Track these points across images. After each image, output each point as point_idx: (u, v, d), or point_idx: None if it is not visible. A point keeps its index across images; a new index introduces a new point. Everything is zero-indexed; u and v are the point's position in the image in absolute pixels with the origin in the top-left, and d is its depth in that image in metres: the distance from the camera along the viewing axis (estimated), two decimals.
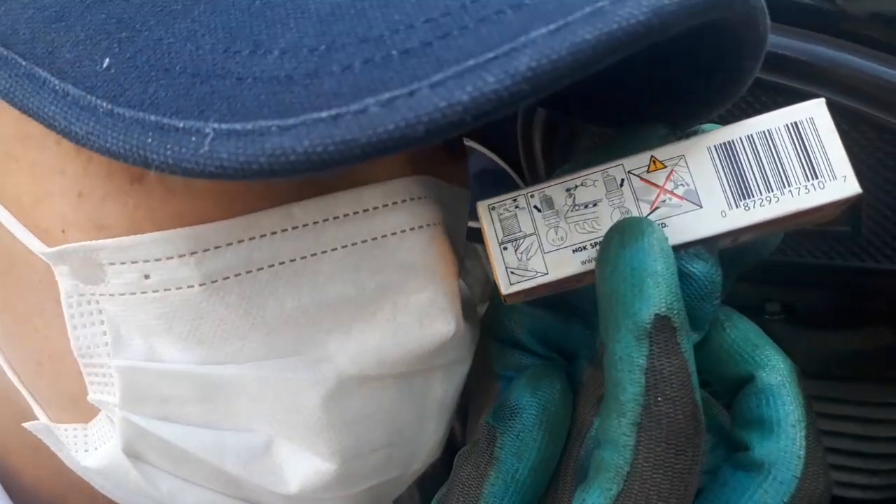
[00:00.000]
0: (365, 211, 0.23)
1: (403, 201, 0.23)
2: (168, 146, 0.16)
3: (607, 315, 0.20)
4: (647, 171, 0.21)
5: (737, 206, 0.21)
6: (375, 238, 0.23)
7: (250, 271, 0.22)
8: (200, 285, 0.22)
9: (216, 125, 0.16)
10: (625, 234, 0.20)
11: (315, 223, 0.22)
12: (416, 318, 0.23)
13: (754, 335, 0.22)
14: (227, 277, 0.22)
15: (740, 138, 0.21)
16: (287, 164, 0.15)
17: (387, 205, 0.23)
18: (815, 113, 0.21)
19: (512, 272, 0.22)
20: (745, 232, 0.21)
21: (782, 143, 0.21)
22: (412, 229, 0.23)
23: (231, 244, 0.22)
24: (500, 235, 0.22)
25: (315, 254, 0.22)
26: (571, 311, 0.25)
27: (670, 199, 0.21)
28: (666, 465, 0.19)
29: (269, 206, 0.22)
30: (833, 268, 0.36)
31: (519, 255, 0.22)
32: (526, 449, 0.22)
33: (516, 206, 0.22)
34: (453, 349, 0.24)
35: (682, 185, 0.21)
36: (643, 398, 0.19)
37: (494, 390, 0.26)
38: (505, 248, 0.22)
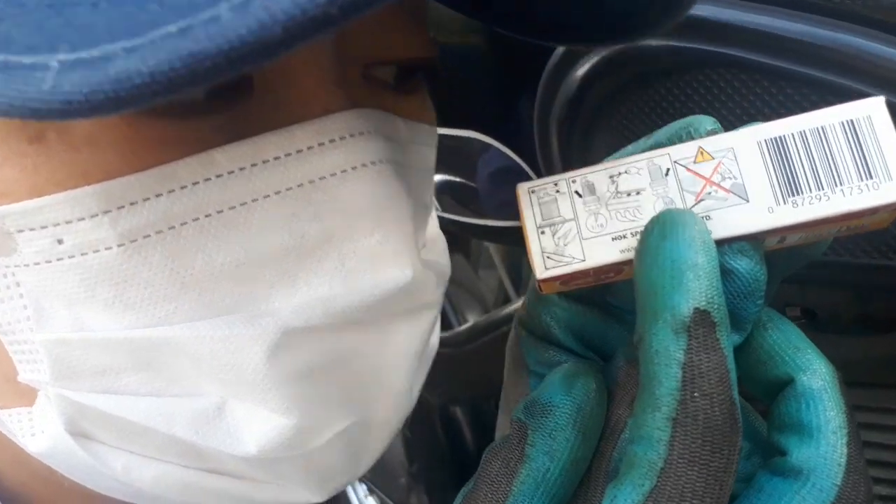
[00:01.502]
0: (298, 152, 0.21)
1: (342, 138, 0.21)
2: (13, 86, 0.15)
3: (645, 307, 0.19)
4: (694, 162, 0.21)
5: (784, 203, 0.20)
6: (312, 181, 0.21)
7: (173, 227, 0.21)
8: (119, 246, 0.20)
9: (63, 56, 0.15)
10: (666, 225, 0.19)
11: (241, 169, 0.21)
12: (367, 264, 0.22)
13: (797, 338, 0.21)
14: (148, 235, 0.20)
15: (792, 134, 0.20)
16: (134, 90, 0.14)
17: (322, 143, 0.21)
18: (873, 111, 0.20)
19: (548, 257, 0.21)
20: (793, 231, 0.20)
21: (836, 141, 0.20)
22: (354, 169, 0.21)
23: (148, 199, 0.20)
24: (539, 219, 0.21)
25: (244, 203, 0.21)
26: (608, 309, 0.24)
27: (716, 191, 0.20)
28: (701, 463, 0.18)
29: (187, 154, 0.20)
30: (856, 266, 0.35)
31: (556, 240, 0.21)
32: (558, 448, 0.21)
33: (557, 191, 0.21)
34: (412, 295, 0.23)
35: (729, 177, 0.20)
36: (679, 393, 0.18)
37: (525, 385, 0.25)
38: (542, 232, 0.21)
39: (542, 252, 0.21)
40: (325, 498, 0.26)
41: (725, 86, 0.34)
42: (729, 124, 0.35)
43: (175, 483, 0.24)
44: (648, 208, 0.21)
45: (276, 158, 0.21)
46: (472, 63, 0.44)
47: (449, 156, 0.50)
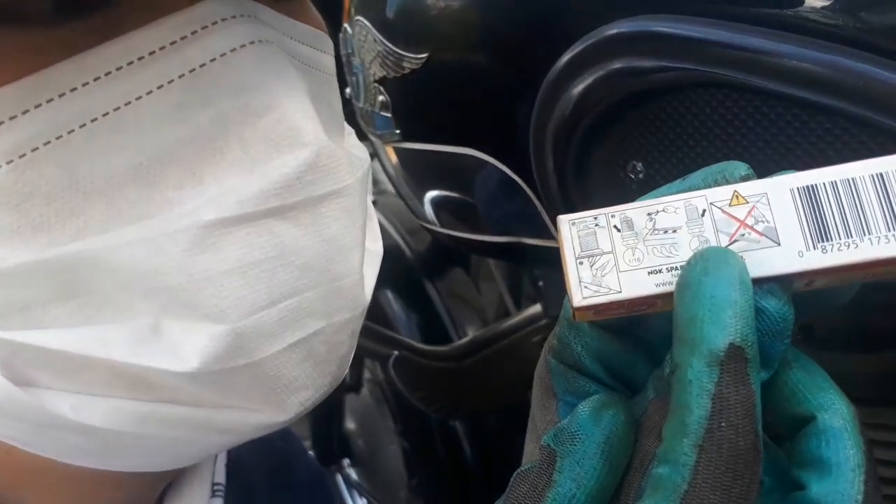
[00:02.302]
0: (172, 44, 0.21)
1: (215, 23, 0.22)
2: None
3: (683, 338, 0.20)
4: (729, 205, 0.22)
5: (814, 248, 0.21)
6: (193, 69, 0.21)
7: (60, 136, 0.20)
8: (8, 163, 0.20)
9: None
10: (709, 262, 0.20)
11: (118, 69, 0.21)
12: (269, 145, 0.22)
13: (820, 378, 0.22)
14: (36, 148, 0.20)
15: (823, 183, 0.21)
16: None
17: (196, 31, 0.21)
18: None
19: (585, 286, 0.22)
20: (821, 275, 0.21)
21: (866, 192, 0.21)
22: (233, 50, 0.22)
23: (27, 111, 0.20)
24: (578, 250, 0.22)
25: (129, 102, 0.21)
26: (638, 342, 0.25)
27: (749, 233, 0.21)
28: (724, 488, 0.19)
29: (58, 61, 0.20)
30: None
31: (594, 271, 0.22)
32: (585, 475, 0.22)
33: (596, 224, 0.22)
34: (323, 172, 0.23)
35: (762, 221, 0.21)
36: (707, 422, 0.19)
37: (553, 412, 0.25)
38: (581, 263, 0.22)
39: (580, 282, 0.22)
40: (290, 416, 0.25)
41: (717, 105, 0.35)
42: (721, 143, 0.35)
43: (129, 417, 0.23)
44: (684, 246, 0.22)
45: (151, 53, 0.21)
46: (470, 79, 0.45)
47: (446, 172, 0.50)
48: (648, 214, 0.22)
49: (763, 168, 0.35)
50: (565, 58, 0.38)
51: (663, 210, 0.22)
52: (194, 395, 0.24)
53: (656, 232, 0.22)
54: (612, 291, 0.22)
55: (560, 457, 0.22)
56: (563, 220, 0.23)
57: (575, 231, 0.23)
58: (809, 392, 0.21)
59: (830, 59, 0.31)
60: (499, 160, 0.45)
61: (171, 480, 0.33)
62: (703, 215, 0.22)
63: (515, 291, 1.03)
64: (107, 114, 0.21)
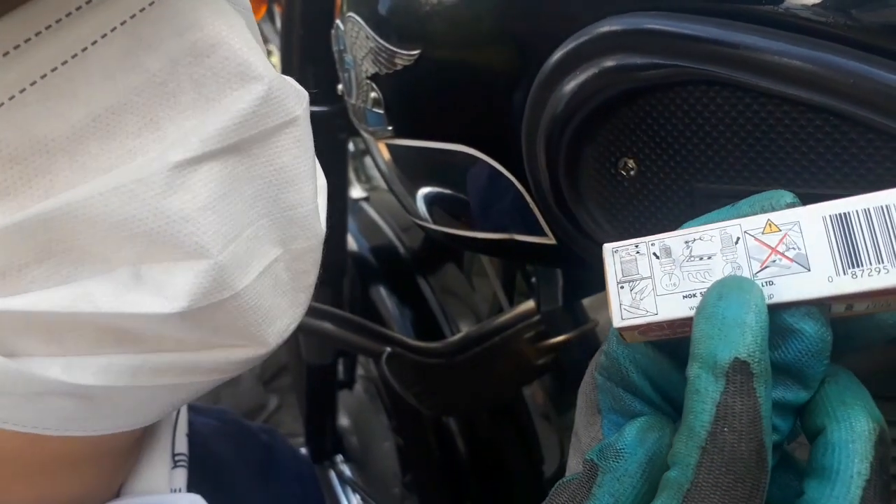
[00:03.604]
0: None
1: None
2: None
3: (694, 354, 0.21)
4: (762, 233, 0.23)
5: (844, 274, 0.21)
6: (133, 15, 0.22)
7: (13, 97, 0.20)
8: None
9: None
10: (725, 288, 0.21)
11: (58, 21, 0.21)
12: (221, 82, 0.22)
13: (850, 394, 0.22)
14: None
15: (856, 210, 0.22)
16: None
17: None
18: None
19: (625, 309, 0.24)
20: (856, 299, 0.22)
21: None
22: None
23: None
24: (619, 276, 0.24)
25: (75, 54, 0.21)
26: (683, 363, 0.25)
27: (780, 259, 0.22)
28: (724, 489, 0.20)
29: None
30: None
31: (633, 295, 0.24)
32: (624, 492, 0.23)
33: (637, 252, 0.24)
34: (277, 105, 0.24)
35: (793, 248, 0.22)
36: (711, 426, 0.20)
37: (597, 428, 0.26)
38: (622, 287, 0.24)
39: (621, 305, 0.24)
40: (270, 347, 0.26)
41: (709, 102, 0.35)
42: (712, 140, 0.36)
43: (121, 370, 0.24)
44: (718, 272, 0.23)
45: (88, 2, 0.21)
46: (462, 76, 0.45)
47: (439, 169, 0.50)
48: (686, 242, 0.24)
49: (754, 165, 0.35)
50: (557, 55, 0.38)
51: (700, 238, 0.23)
52: (179, 340, 0.24)
53: (692, 259, 0.23)
54: (648, 313, 0.23)
55: (602, 472, 0.23)
56: (607, 248, 0.25)
57: (617, 258, 0.24)
58: (831, 406, 0.22)
59: (821, 57, 0.31)
60: (491, 157, 0.45)
61: (131, 457, 0.34)
62: (736, 243, 0.23)
63: (509, 288, 1.03)
64: (55, 69, 0.21)
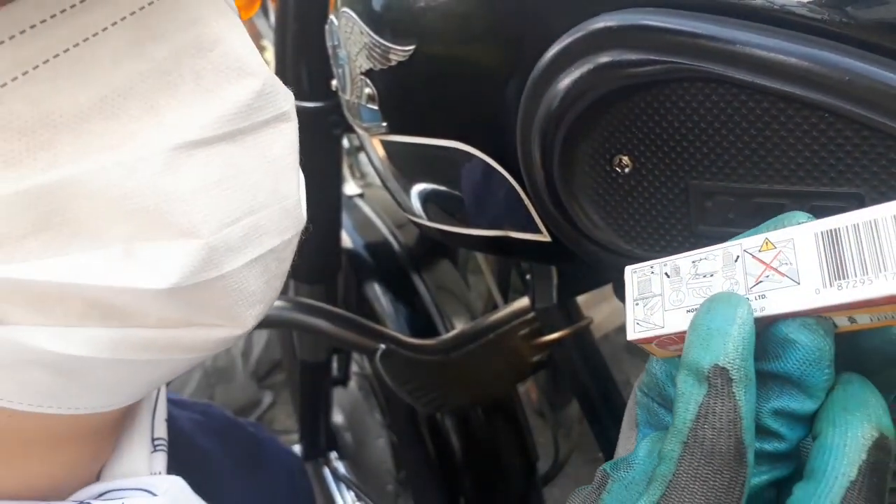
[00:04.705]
0: None
1: None
2: None
3: (682, 360, 0.23)
4: (759, 251, 0.24)
5: (831, 286, 0.22)
6: (143, 7, 0.23)
7: (26, 72, 0.21)
8: None
9: None
10: (713, 302, 0.23)
11: (73, 6, 0.22)
12: (219, 76, 0.24)
13: (855, 401, 0.23)
14: (4, 84, 0.21)
15: (846, 226, 0.23)
16: None
17: None
18: None
19: (637, 323, 0.26)
20: (845, 310, 0.22)
21: (886, 231, 0.22)
22: None
23: None
24: (636, 293, 0.26)
25: (87, 38, 0.22)
26: None
27: (773, 275, 0.24)
28: (703, 479, 0.22)
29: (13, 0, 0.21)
30: None
31: (645, 311, 0.26)
32: (629, 499, 0.24)
33: (651, 272, 0.26)
34: (268, 98, 0.25)
35: (786, 263, 0.23)
36: (693, 423, 0.22)
37: (633, 441, 0.27)
38: (637, 304, 0.26)
39: (634, 320, 0.26)
40: (247, 329, 0.27)
41: (704, 99, 0.35)
42: (707, 137, 0.35)
43: (104, 343, 0.25)
44: (717, 287, 0.25)
45: None
46: (457, 72, 0.44)
47: (434, 165, 0.50)
48: (693, 262, 0.25)
49: (749, 162, 0.35)
50: (552, 51, 0.38)
51: (705, 258, 0.25)
52: (162, 317, 0.25)
53: (697, 276, 0.25)
54: (657, 327, 0.25)
55: (612, 481, 0.25)
56: (628, 269, 0.27)
57: (635, 278, 0.27)
58: (833, 412, 0.23)
59: (817, 54, 0.31)
60: (486, 153, 0.45)
61: (110, 446, 0.34)
62: (736, 261, 0.24)
63: (503, 285, 1.03)
64: (67, 50, 0.22)
